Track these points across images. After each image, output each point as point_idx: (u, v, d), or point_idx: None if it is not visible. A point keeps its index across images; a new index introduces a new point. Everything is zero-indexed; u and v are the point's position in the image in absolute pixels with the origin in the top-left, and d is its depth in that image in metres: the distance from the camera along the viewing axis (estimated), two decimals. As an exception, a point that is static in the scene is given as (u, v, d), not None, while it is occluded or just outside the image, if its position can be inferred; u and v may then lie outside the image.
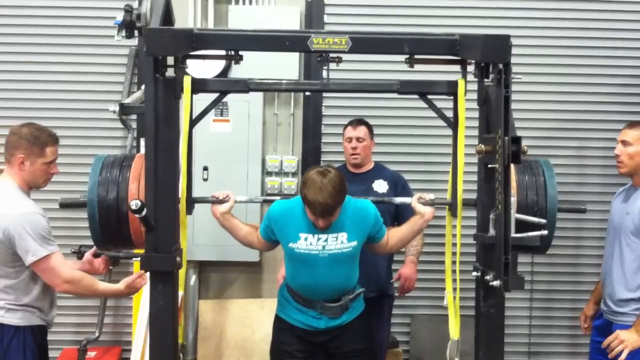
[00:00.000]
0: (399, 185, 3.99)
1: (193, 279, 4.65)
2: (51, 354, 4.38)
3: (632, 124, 3.51)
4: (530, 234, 2.69)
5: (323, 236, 3.17)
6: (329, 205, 3.04)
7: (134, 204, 2.55)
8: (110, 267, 3.47)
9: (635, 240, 3.41)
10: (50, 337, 3.30)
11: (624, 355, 3.28)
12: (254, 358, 4.51)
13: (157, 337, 2.88)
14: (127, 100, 2.88)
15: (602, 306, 3.62)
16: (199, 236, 4.47)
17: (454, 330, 3.07)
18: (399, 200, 3.42)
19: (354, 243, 3.20)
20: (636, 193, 3.47)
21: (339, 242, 3.18)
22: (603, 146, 4.69)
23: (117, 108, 2.79)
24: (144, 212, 2.59)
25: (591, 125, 4.77)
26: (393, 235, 3.33)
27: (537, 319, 4.85)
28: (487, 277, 2.73)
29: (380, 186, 3.98)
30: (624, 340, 3.30)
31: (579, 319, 3.92)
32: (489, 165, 2.72)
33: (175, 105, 2.92)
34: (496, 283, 2.58)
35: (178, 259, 2.84)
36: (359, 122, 4.05)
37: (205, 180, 4.48)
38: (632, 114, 4.54)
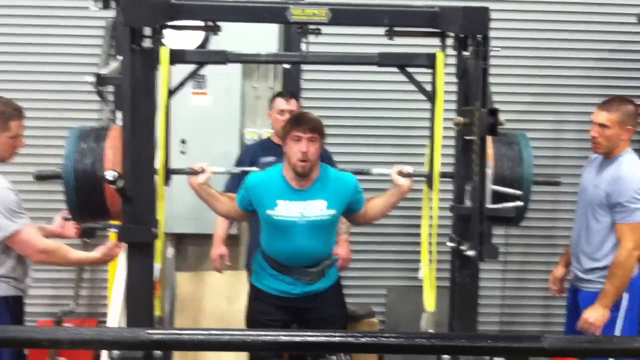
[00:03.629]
0: (325, 159, 3.95)
1: (170, 251, 4.65)
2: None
3: (605, 106, 3.54)
4: (506, 204, 2.72)
5: (302, 202, 3.20)
6: (316, 120, 3.17)
7: (110, 174, 2.54)
8: (87, 240, 3.46)
9: (601, 212, 3.48)
10: (25, 308, 3.29)
11: (598, 332, 3.38)
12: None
13: (134, 309, 2.88)
14: (104, 71, 2.84)
15: (570, 273, 3.72)
16: (177, 208, 4.45)
17: (430, 302, 3.10)
18: (377, 171, 3.43)
19: (333, 211, 3.24)
20: (606, 166, 3.52)
21: (318, 209, 3.21)
22: (578, 120, 4.73)
23: (93, 79, 2.76)
24: (120, 184, 2.58)
25: (567, 100, 4.81)
26: (372, 206, 3.36)
27: (510, 289, 4.94)
28: (463, 248, 2.76)
29: None
30: (593, 322, 3.38)
31: (549, 282, 3.96)
32: (466, 138, 2.74)
33: (152, 76, 2.89)
34: (471, 253, 2.62)
35: (155, 230, 2.84)
36: (290, 94, 4.08)
37: (183, 153, 4.47)
38: (608, 88, 4.60)
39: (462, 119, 2.76)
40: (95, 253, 3.20)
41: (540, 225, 4.84)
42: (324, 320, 3.38)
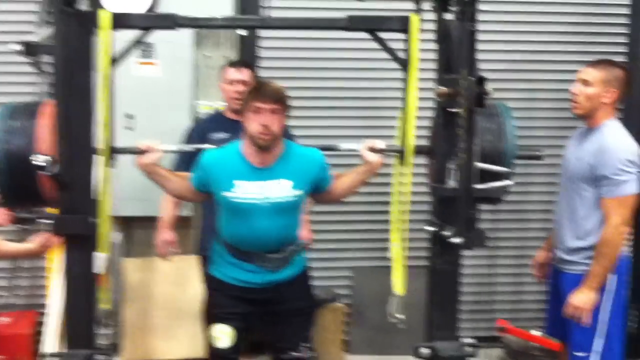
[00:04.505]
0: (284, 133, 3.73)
1: (117, 236, 4.35)
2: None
3: (595, 63, 3.30)
4: (494, 184, 2.46)
5: (264, 182, 2.92)
6: (279, 90, 2.91)
7: (41, 159, 2.18)
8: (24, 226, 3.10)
9: (584, 187, 3.24)
10: None
11: (586, 319, 3.19)
12: (184, 317, 4.24)
13: (74, 307, 2.59)
14: (35, 38, 2.46)
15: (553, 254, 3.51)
16: (123, 190, 4.01)
17: (399, 285, 2.90)
18: (345, 147, 3.15)
19: (299, 192, 2.98)
20: (588, 137, 3.29)
21: (282, 190, 2.94)
22: (554, 88, 4.51)
23: (21, 47, 2.38)
24: (52, 169, 2.22)
25: (542, 67, 4.56)
26: (339, 184, 3.11)
27: (478, 275, 4.72)
28: (446, 233, 2.50)
29: None
30: (581, 306, 3.18)
31: (532, 267, 3.75)
32: (451, 110, 2.45)
33: (89, 44, 2.55)
34: (457, 240, 2.34)
35: (94, 220, 2.52)
36: (243, 63, 3.82)
37: (129, 129, 4.12)
38: (585, 54, 4.33)
39: (444, 88, 2.52)
40: (29, 244, 2.85)
41: (512, 199, 4.50)
42: (289, 312, 3.12)
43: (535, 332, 3.69)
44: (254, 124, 2.86)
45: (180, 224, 4.28)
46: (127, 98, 3.97)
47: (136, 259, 4.41)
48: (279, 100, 2.88)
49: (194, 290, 4.08)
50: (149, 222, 4.30)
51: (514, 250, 4.71)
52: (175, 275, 4.32)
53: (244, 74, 3.68)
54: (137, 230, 4.47)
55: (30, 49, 2.40)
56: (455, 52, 2.46)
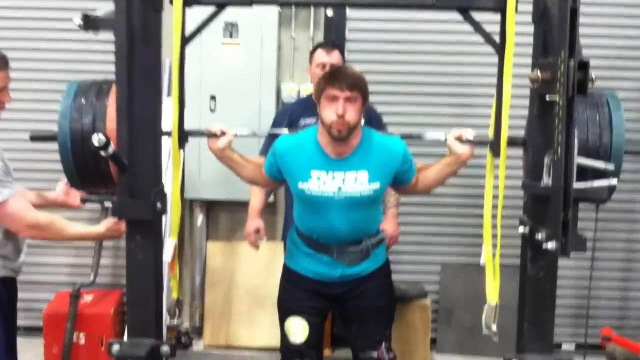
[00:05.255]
0: (373, 121, 3.48)
1: (200, 218, 4.32)
2: (45, 296, 4.13)
3: None
4: (596, 183, 2.16)
5: (339, 174, 2.72)
6: (356, 75, 2.67)
7: (96, 139, 2.07)
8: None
9: None
10: (44, 277, 3.03)
11: None
12: (266, 306, 4.14)
13: (136, 298, 2.49)
14: (96, 13, 2.34)
15: None
16: (206, 172, 4.10)
17: (492, 293, 2.62)
18: (430, 136, 2.91)
19: (376, 185, 2.75)
20: None
21: (359, 183, 2.73)
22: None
23: (80, 21, 2.26)
24: (110, 149, 2.10)
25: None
26: (424, 176, 2.86)
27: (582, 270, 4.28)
28: (539, 236, 2.22)
29: None
30: None
31: None
32: (547, 98, 2.17)
33: (155, 19, 2.42)
34: (551, 245, 2.06)
35: (159, 204, 2.38)
36: (333, 45, 3.58)
37: (212, 111, 4.05)
38: None
39: (540, 73, 2.23)
40: (100, 228, 2.77)
41: (619, 199, 4.18)
42: (367, 310, 2.92)
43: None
44: (328, 112, 2.65)
45: (266, 209, 4.28)
46: (211, 79, 3.98)
47: (219, 242, 4.36)
48: (356, 87, 2.65)
49: (278, 277, 3.98)
50: (232, 205, 4.36)
51: (621, 253, 4.36)
52: (259, 261, 4.24)
53: (333, 57, 3.48)
54: (220, 213, 4.42)
55: (90, 23, 2.27)
56: (555, 32, 2.16)
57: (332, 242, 2.83)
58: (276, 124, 3.58)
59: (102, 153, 2.14)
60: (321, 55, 3.50)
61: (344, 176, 2.72)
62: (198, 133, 2.75)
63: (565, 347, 4.31)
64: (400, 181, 2.84)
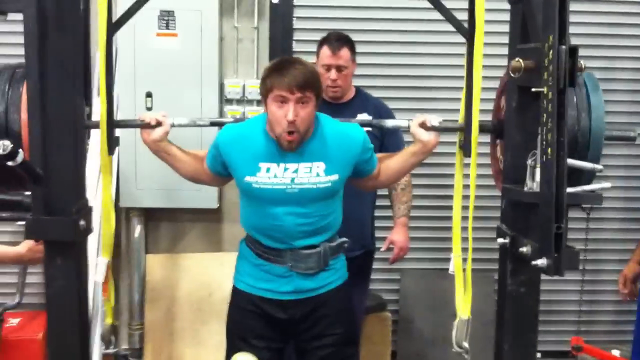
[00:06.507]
0: (381, 111, 3.27)
1: (138, 230, 4.00)
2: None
3: None
4: (588, 187, 1.91)
5: (292, 166, 2.45)
6: (308, 71, 2.36)
7: (1, 146, 1.70)
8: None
9: None
10: None
11: None
12: (211, 323, 3.87)
13: (56, 328, 2.17)
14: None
15: None
16: (144, 178, 3.78)
17: (464, 306, 2.40)
18: (391, 123, 2.69)
19: (334, 177, 2.48)
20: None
21: (314, 175, 2.46)
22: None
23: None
24: (19, 158, 1.74)
25: (623, 31, 3.98)
26: (385, 167, 2.63)
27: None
28: (524, 250, 1.95)
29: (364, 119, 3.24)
30: None
31: (618, 283, 3.27)
32: (533, 89, 1.90)
33: (73, 2, 2.10)
34: (542, 262, 1.79)
35: (83, 222, 2.03)
36: (339, 41, 3.18)
37: (149, 109, 3.70)
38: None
39: (521, 61, 1.99)
40: (20, 248, 2.42)
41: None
42: (321, 346, 2.60)
43: (616, 352, 3.26)
44: (276, 116, 2.37)
45: (210, 216, 4.08)
46: (146, 74, 3.69)
47: (159, 254, 4.07)
48: (308, 87, 2.35)
49: (224, 292, 3.68)
50: (173, 214, 4.08)
51: (590, 255, 4.07)
52: (203, 274, 3.98)
53: (340, 58, 3.14)
54: (160, 223, 4.11)
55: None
56: (538, 14, 1.90)
57: (284, 245, 2.53)
58: None
59: (9, 164, 1.77)
60: (326, 56, 3.16)
61: (297, 167, 2.45)
62: (128, 124, 2.53)
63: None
64: (361, 173, 2.59)
